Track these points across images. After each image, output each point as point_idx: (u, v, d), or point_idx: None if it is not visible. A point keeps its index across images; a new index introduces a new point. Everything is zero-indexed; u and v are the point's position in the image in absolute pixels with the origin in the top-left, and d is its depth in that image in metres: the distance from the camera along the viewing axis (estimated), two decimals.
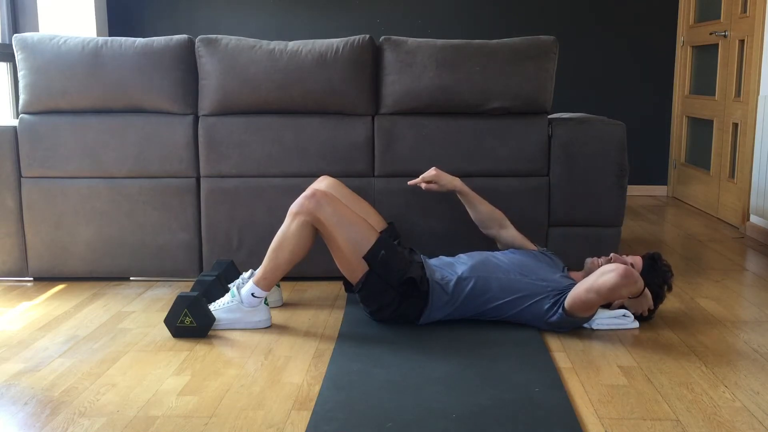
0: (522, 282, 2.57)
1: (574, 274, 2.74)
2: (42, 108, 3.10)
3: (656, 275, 2.59)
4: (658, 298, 2.61)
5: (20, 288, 3.14)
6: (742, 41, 4.31)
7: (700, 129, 4.95)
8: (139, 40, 3.08)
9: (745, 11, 4.28)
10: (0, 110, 4.34)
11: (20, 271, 3.20)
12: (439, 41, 3.08)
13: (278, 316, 2.75)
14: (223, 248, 3.16)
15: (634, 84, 5.37)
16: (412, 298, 2.55)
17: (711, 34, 4.70)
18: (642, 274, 2.57)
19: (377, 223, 2.82)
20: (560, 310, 2.49)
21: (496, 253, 2.72)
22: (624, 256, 2.65)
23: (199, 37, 3.11)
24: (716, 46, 4.68)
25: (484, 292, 2.57)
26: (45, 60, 3.05)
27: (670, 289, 2.62)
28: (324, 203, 2.48)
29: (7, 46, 4.33)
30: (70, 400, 2.04)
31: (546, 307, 2.53)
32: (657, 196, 5.41)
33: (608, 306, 2.62)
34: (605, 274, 2.37)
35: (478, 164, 3.12)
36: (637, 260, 2.62)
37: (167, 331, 2.59)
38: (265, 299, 2.62)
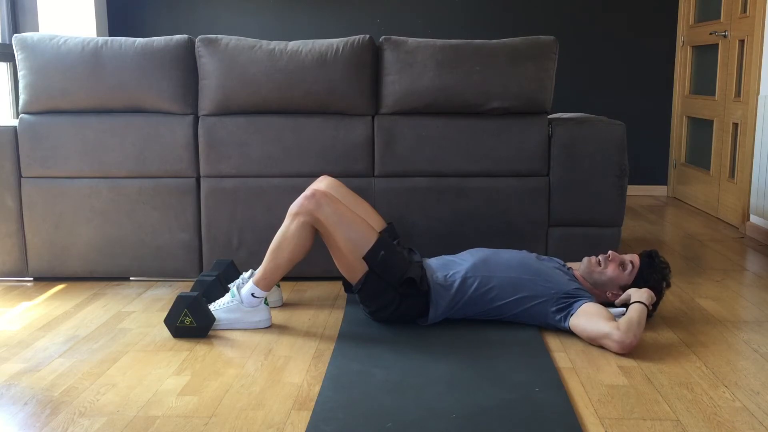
0: (527, 282, 2.56)
1: (572, 265, 2.76)
2: (42, 108, 3.10)
3: (654, 272, 2.59)
4: (657, 296, 2.61)
5: (20, 288, 3.14)
6: (742, 41, 4.31)
7: (700, 129, 4.95)
8: (139, 40, 3.08)
9: (745, 11, 4.28)
10: (0, 110, 4.34)
11: (20, 271, 3.20)
12: (439, 41, 3.08)
13: (278, 316, 2.75)
14: (223, 248, 3.16)
15: (634, 84, 5.37)
16: (412, 298, 2.54)
17: (711, 34, 4.69)
18: (640, 271, 2.59)
19: (377, 223, 2.81)
20: (565, 324, 2.50)
21: (499, 251, 2.71)
22: (622, 255, 2.65)
23: (199, 37, 3.11)
24: (716, 46, 4.68)
25: (489, 291, 2.56)
26: (45, 60, 3.05)
27: (668, 285, 2.62)
28: (324, 203, 2.48)
29: (7, 46, 4.33)
30: (70, 400, 2.04)
31: (552, 309, 2.52)
32: (657, 196, 5.41)
33: (612, 305, 2.62)
34: (611, 340, 2.36)
35: (478, 164, 3.12)
36: (635, 259, 2.62)
37: (167, 331, 2.59)
38: (265, 299, 2.62)
